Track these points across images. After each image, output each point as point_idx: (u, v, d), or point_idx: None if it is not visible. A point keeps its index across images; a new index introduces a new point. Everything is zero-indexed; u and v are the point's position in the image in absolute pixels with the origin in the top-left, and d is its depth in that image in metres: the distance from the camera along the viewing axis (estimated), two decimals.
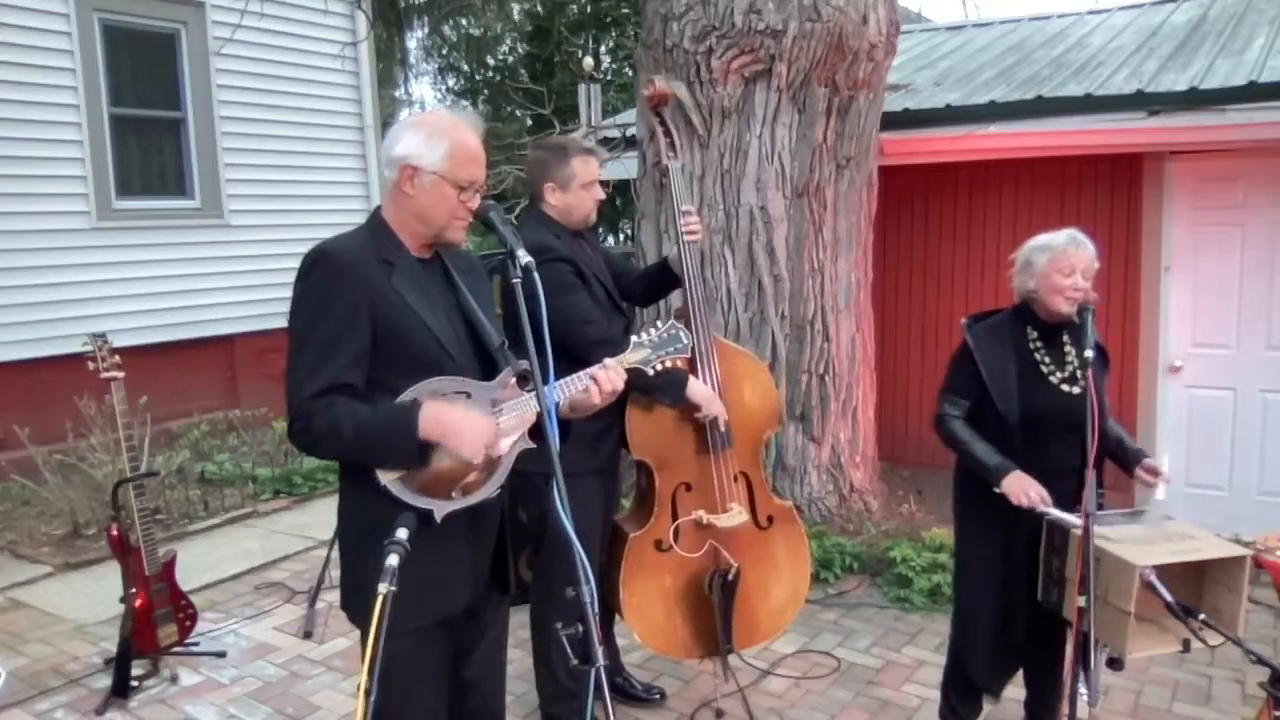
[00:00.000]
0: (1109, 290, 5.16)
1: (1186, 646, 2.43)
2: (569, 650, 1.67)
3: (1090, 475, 2.40)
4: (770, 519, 3.21)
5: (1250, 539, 2.82)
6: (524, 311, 1.90)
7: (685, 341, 2.20)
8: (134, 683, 3.59)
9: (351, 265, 1.95)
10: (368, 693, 1.51)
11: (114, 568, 3.71)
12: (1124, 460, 2.78)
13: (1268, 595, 3.97)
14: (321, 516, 5.58)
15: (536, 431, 2.01)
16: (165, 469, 5.71)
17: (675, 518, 3.07)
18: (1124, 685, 3.52)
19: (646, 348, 2.18)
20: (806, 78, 4.74)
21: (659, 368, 2.19)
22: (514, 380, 2.02)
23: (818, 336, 4.96)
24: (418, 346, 1.98)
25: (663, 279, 3.27)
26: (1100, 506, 2.69)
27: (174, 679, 3.69)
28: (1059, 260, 2.64)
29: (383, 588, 1.58)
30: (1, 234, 6.35)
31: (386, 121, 9.14)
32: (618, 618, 3.27)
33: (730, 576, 3.08)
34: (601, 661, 1.66)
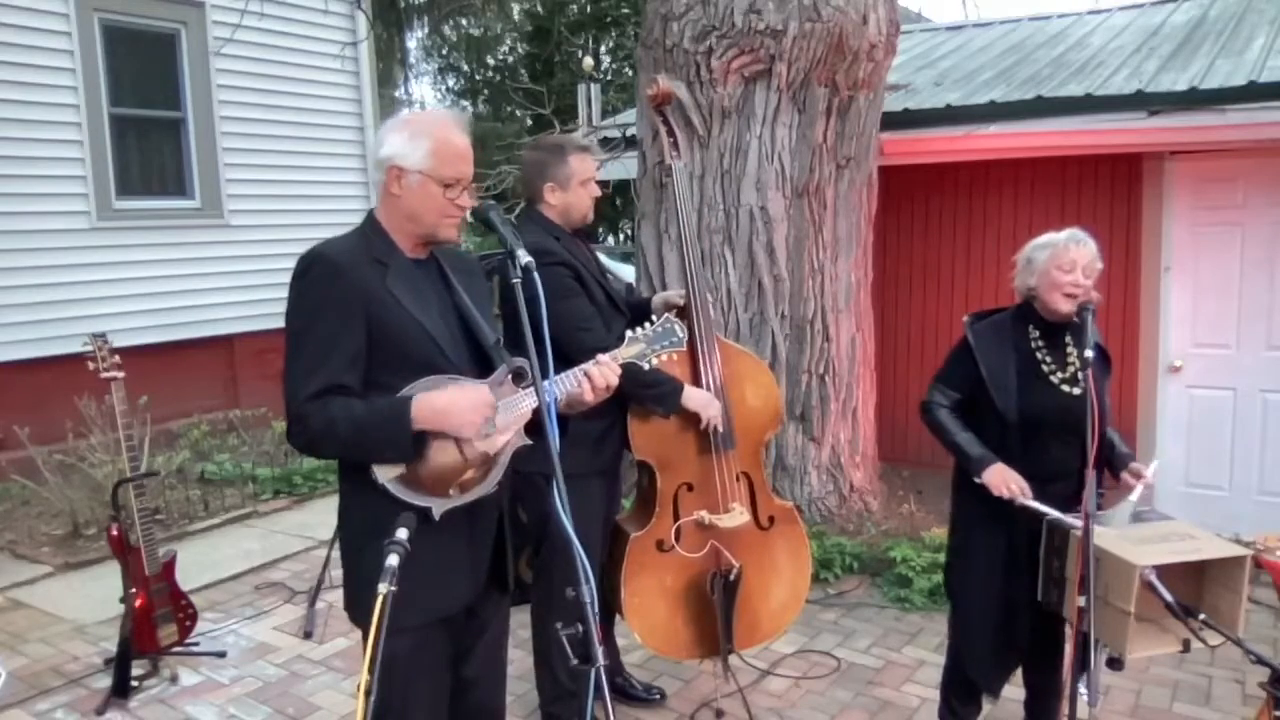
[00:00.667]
0: (1109, 290, 5.15)
1: (1186, 646, 2.43)
2: (569, 650, 1.67)
3: (1090, 475, 2.40)
4: (771, 519, 3.21)
5: (1250, 539, 2.82)
6: (524, 311, 1.90)
7: (681, 335, 2.19)
8: (134, 683, 3.59)
9: (345, 267, 1.96)
10: (368, 692, 1.51)
11: (114, 568, 3.71)
12: (1113, 464, 2.78)
13: (1268, 595, 3.97)
14: (321, 516, 5.58)
15: (534, 428, 2.01)
16: (165, 469, 5.71)
17: (677, 518, 3.07)
18: (1124, 685, 3.52)
19: (641, 342, 2.17)
20: (806, 78, 4.74)
21: (654, 362, 2.19)
22: (509, 378, 2.02)
23: (818, 336, 4.96)
24: (412, 346, 1.98)
25: (642, 314, 3.23)
26: (1100, 507, 2.70)
27: (174, 679, 3.69)
28: (1059, 256, 2.64)
29: (383, 588, 1.58)
30: (1, 234, 6.36)
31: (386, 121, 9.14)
32: (618, 618, 3.27)
33: (732, 577, 3.08)
34: (601, 661, 1.66)
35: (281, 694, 3.62)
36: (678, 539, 3.06)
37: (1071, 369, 2.70)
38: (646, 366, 2.19)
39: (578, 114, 7.86)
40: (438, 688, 2.14)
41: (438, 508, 1.95)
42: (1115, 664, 2.45)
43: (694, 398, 2.99)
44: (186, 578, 3.90)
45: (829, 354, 4.99)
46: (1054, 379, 2.70)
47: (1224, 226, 5.28)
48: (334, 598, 4.35)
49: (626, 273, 8.58)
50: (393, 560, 1.62)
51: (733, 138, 4.81)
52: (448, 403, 1.92)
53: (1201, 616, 2.32)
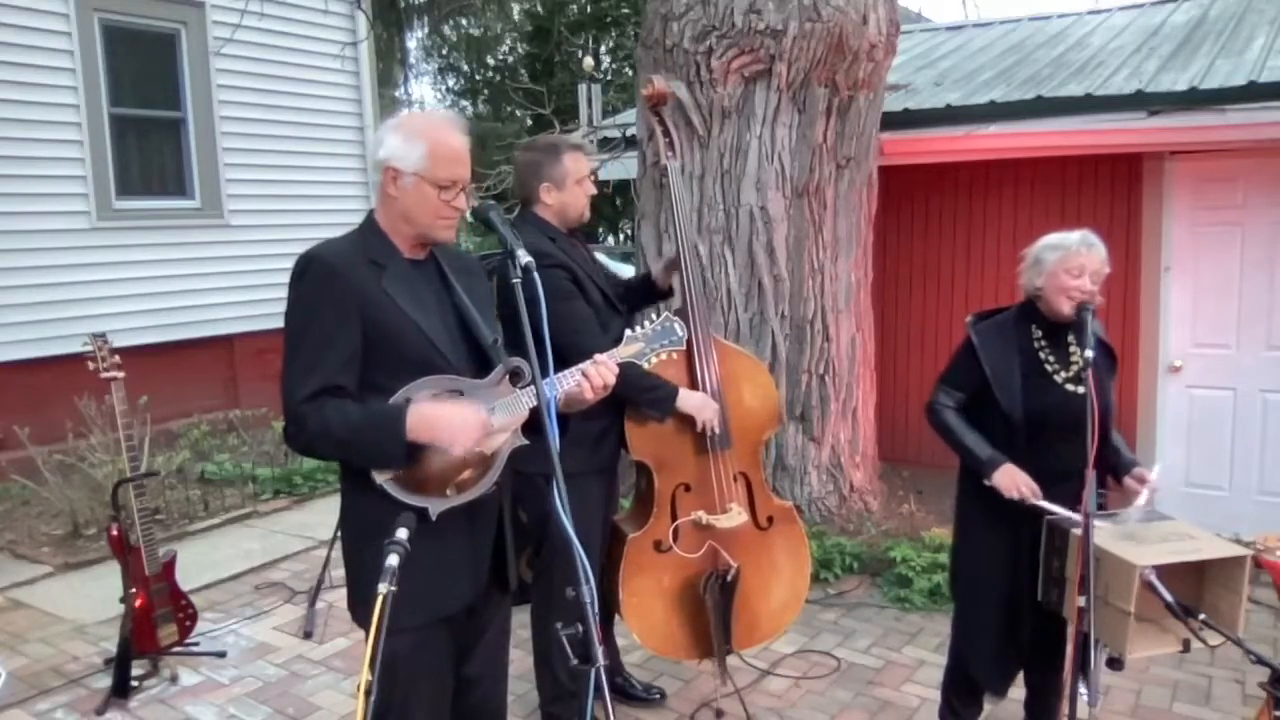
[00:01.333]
0: (1109, 290, 5.13)
1: (1186, 646, 2.43)
2: (569, 650, 1.67)
3: (1090, 475, 2.40)
4: (770, 519, 3.21)
5: (1250, 539, 2.82)
6: (523, 312, 1.90)
7: (680, 334, 2.19)
8: (134, 683, 3.59)
9: (340, 268, 1.97)
10: (368, 692, 1.51)
11: (114, 568, 3.71)
12: (1115, 468, 2.78)
13: (1268, 595, 3.98)
14: (321, 516, 5.58)
15: (533, 428, 2.01)
16: (165, 469, 5.71)
17: (675, 518, 3.06)
18: (1124, 685, 3.52)
19: (640, 341, 2.17)
20: (806, 78, 4.74)
21: (653, 361, 2.19)
22: (506, 377, 2.03)
23: (818, 336, 4.96)
24: (409, 346, 1.99)
25: (644, 294, 3.25)
26: (1101, 507, 2.70)
27: (174, 679, 3.69)
28: (1068, 260, 2.63)
29: (382, 588, 1.58)
30: (1, 234, 6.36)
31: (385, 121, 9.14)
32: (617, 618, 3.27)
33: (730, 577, 3.07)
34: (601, 661, 1.66)
35: (281, 694, 3.62)
36: (675, 539, 3.06)
37: (1075, 368, 2.70)
38: (646, 365, 2.18)
39: (578, 114, 7.85)
40: (439, 687, 2.14)
41: (434, 508, 1.95)
42: (1115, 664, 2.45)
43: (689, 401, 2.98)
44: (186, 578, 3.90)
45: (829, 354, 4.99)
46: (1058, 378, 2.70)
47: (1224, 226, 5.28)
48: (334, 598, 4.35)
49: (627, 273, 8.58)
50: (392, 560, 1.62)
51: (733, 138, 4.81)
52: (443, 420, 1.91)
53: (1201, 616, 2.32)
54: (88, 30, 6.79)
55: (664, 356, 2.19)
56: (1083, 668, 2.42)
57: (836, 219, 5.01)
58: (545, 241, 2.87)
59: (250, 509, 5.78)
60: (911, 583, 4.33)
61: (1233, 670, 3.63)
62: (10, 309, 6.36)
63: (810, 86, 4.77)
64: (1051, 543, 2.61)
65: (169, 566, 3.65)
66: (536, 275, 1.96)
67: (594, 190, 3.04)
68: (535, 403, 1.94)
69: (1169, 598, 2.28)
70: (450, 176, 2.01)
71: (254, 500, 5.93)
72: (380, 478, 1.94)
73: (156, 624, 3.59)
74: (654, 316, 2.20)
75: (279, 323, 2.05)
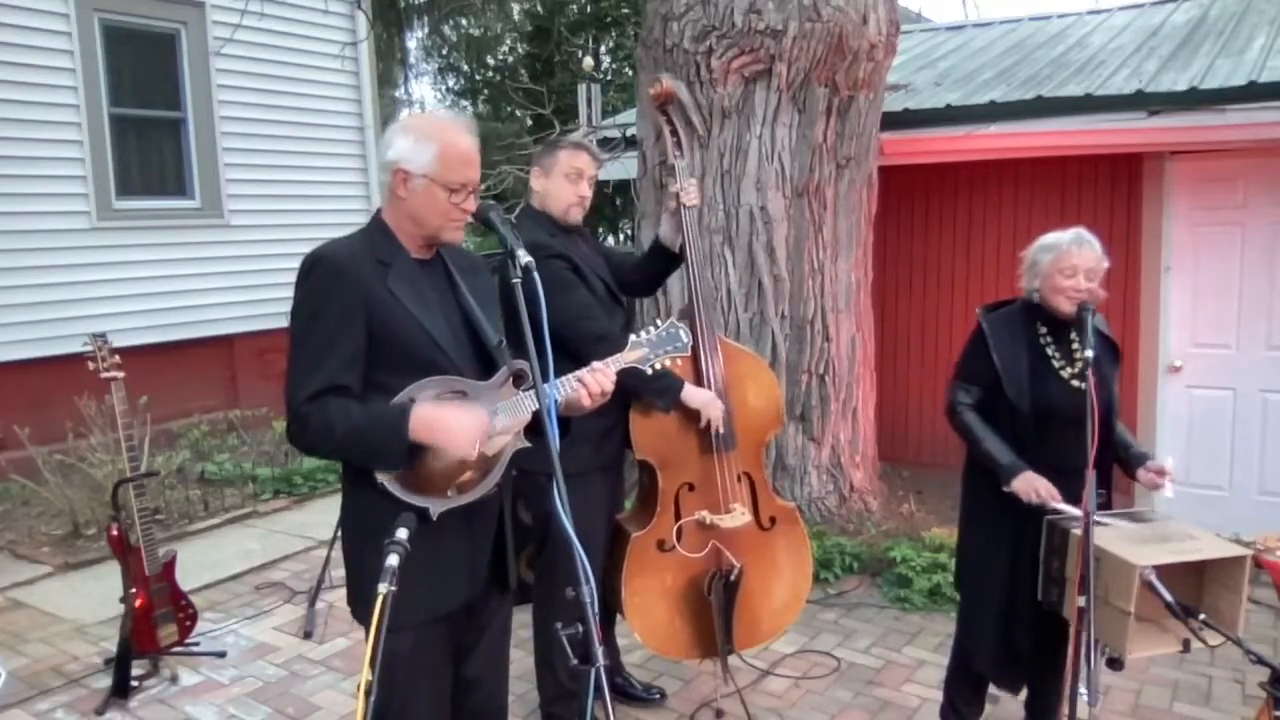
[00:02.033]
0: (1109, 290, 5.15)
1: (1186, 646, 2.43)
2: (569, 650, 1.67)
3: (1090, 475, 2.40)
4: (773, 520, 3.21)
5: (1250, 539, 2.83)
6: (524, 312, 1.90)
7: (685, 340, 2.18)
8: (134, 683, 3.59)
9: (346, 268, 1.97)
10: (369, 692, 1.51)
11: (114, 568, 3.71)
12: (1127, 464, 2.78)
13: (1268, 595, 3.98)
14: (321, 516, 5.58)
15: (535, 430, 2.01)
16: (165, 469, 5.71)
17: (678, 518, 3.06)
18: (1124, 685, 3.52)
19: (645, 346, 2.16)
20: (806, 78, 4.74)
21: (658, 367, 2.18)
22: (509, 379, 2.02)
23: (818, 336, 4.96)
24: (413, 346, 1.99)
25: (659, 261, 3.23)
26: (1102, 506, 2.70)
27: (174, 679, 3.69)
28: (1061, 261, 2.66)
29: (382, 587, 1.58)
30: (1, 234, 6.35)
31: (387, 121, 9.13)
32: (618, 618, 3.27)
33: (733, 577, 3.07)
34: (602, 661, 1.66)
35: (281, 694, 3.62)
36: (679, 539, 3.06)
37: (1079, 364, 2.71)
38: (649, 371, 2.18)
39: (578, 114, 7.85)
40: (438, 686, 2.14)
41: (435, 508, 1.95)
42: (1115, 664, 2.46)
43: (695, 396, 2.99)
44: (186, 578, 3.90)
45: (829, 354, 4.99)
46: (1063, 373, 2.72)
47: (1224, 226, 5.28)
48: (334, 598, 4.35)
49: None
50: (393, 560, 1.62)
51: (733, 138, 4.81)
52: (446, 423, 1.91)
53: (1201, 616, 2.32)
54: (88, 30, 6.79)
55: (668, 363, 2.18)
56: (1083, 667, 2.42)
57: (836, 219, 5.01)
58: (542, 234, 2.89)
59: (250, 509, 5.78)
60: (911, 583, 4.33)
61: (1233, 670, 3.63)
62: (10, 309, 6.36)
63: (810, 86, 4.77)
64: (1051, 543, 2.61)
65: (169, 566, 3.65)
66: (536, 275, 1.96)
67: (586, 193, 3.03)
68: (537, 405, 1.94)
69: (1169, 598, 2.28)
70: (461, 179, 2.00)
71: (254, 500, 5.93)
72: (382, 476, 1.94)
73: (156, 624, 3.59)
74: (659, 322, 2.20)
75: (279, 323, 2.05)
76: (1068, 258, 2.65)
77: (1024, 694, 3.03)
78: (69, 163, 6.73)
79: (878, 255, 5.78)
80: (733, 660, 3.32)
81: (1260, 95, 4.79)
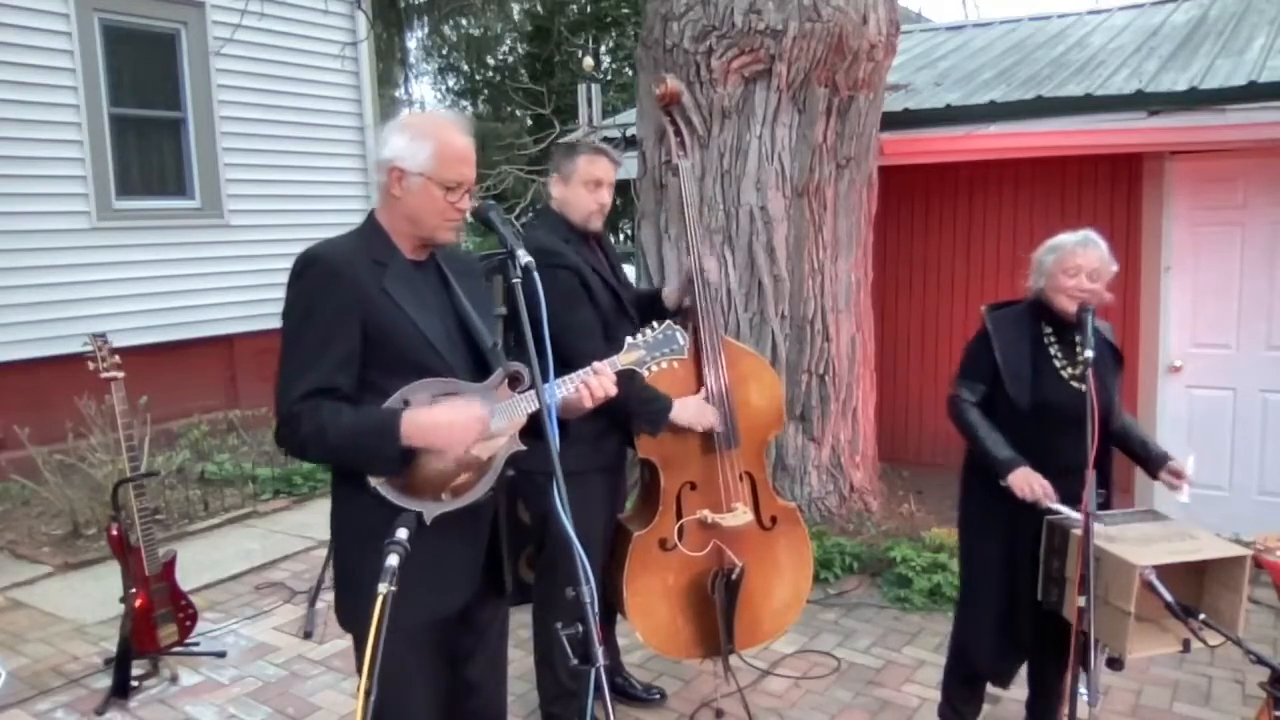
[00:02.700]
0: (1109, 290, 5.16)
1: (1186, 646, 2.43)
2: (569, 650, 1.67)
3: (1090, 475, 2.40)
4: (774, 519, 3.21)
5: (1250, 539, 2.83)
6: (524, 312, 1.90)
7: (682, 343, 2.17)
8: (134, 683, 3.59)
9: (341, 268, 1.95)
10: (368, 693, 1.51)
11: (114, 568, 3.71)
12: (1147, 463, 2.79)
13: (1268, 595, 3.97)
14: (321, 516, 5.52)
15: (533, 431, 2.00)
16: (165, 469, 5.71)
17: (680, 517, 3.06)
18: (1124, 685, 3.52)
19: (641, 349, 2.15)
20: (806, 78, 4.74)
21: (654, 369, 2.18)
22: (505, 382, 2.01)
23: (818, 336, 4.96)
24: (407, 347, 1.97)
25: (650, 310, 3.21)
26: (1102, 506, 2.70)
27: (174, 679, 3.69)
28: (1065, 261, 2.69)
29: (383, 588, 1.57)
30: (1, 234, 6.36)
31: (387, 121, 9.15)
32: (619, 617, 3.27)
33: (734, 576, 3.07)
34: (602, 661, 1.66)
35: (281, 694, 3.62)
36: (681, 538, 3.06)
37: (1081, 366, 2.72)
38: (646, 374, 2.17)
39: (578, 114, 7.85)
40: (433, 689, 2.13)
41: (429, 512, 1.93)
42: (1115, 664, 2.46)
43: (684, 413, 2.95)
44: (186, 578, 3.90)
45: (829, 354, 4.99)
46: (1065, 373, 2.73)
47: (1224, 226, 5.28)
48: (334, 597, 4.34)
49: (626, 273, 8.57)
50: (393, 560, 1.61)
51: (733, 138, 4.81)
52: (439, 424, 1.89)
53: (1201, 616, 2.32)
54: (88, 30, 6.79)
55: (664, 365, 2.17)
56: (1083, 668, 2.42)
57: (836, 219, 5.01)
58: (557, 241, 2.87)
59: (250, 509, 5.78)
60: (911, 583, 4.32)
61: (1233, 670, 3.63)
62: (10, 309, 6.36)
63: (810, 86, 4.77)
64: (1051, 542, 2.61)
65: (169, 566, 3.65)
66: (536, 275, 1.95)
67: (607, 200, 3.01)
68: (534, 407, 1.93)
69: (1169, 598, 2.28)
70: (456, 177, 1.99)
71: (254, 500, 5.92)
72: (375, 480, 1.92)
73: (156, 624, 3.59)
74: (655, 324, 2.19)
75: (279, 322, 2.04)
76: (1071, 257, 2.68)
77: (1024, 694, 3.03)
78: (69, 163, 6.74)
79: (878, 255, 5.78)
80: (733, 660, 3.32)
81: (1260, 95, 4.79)
